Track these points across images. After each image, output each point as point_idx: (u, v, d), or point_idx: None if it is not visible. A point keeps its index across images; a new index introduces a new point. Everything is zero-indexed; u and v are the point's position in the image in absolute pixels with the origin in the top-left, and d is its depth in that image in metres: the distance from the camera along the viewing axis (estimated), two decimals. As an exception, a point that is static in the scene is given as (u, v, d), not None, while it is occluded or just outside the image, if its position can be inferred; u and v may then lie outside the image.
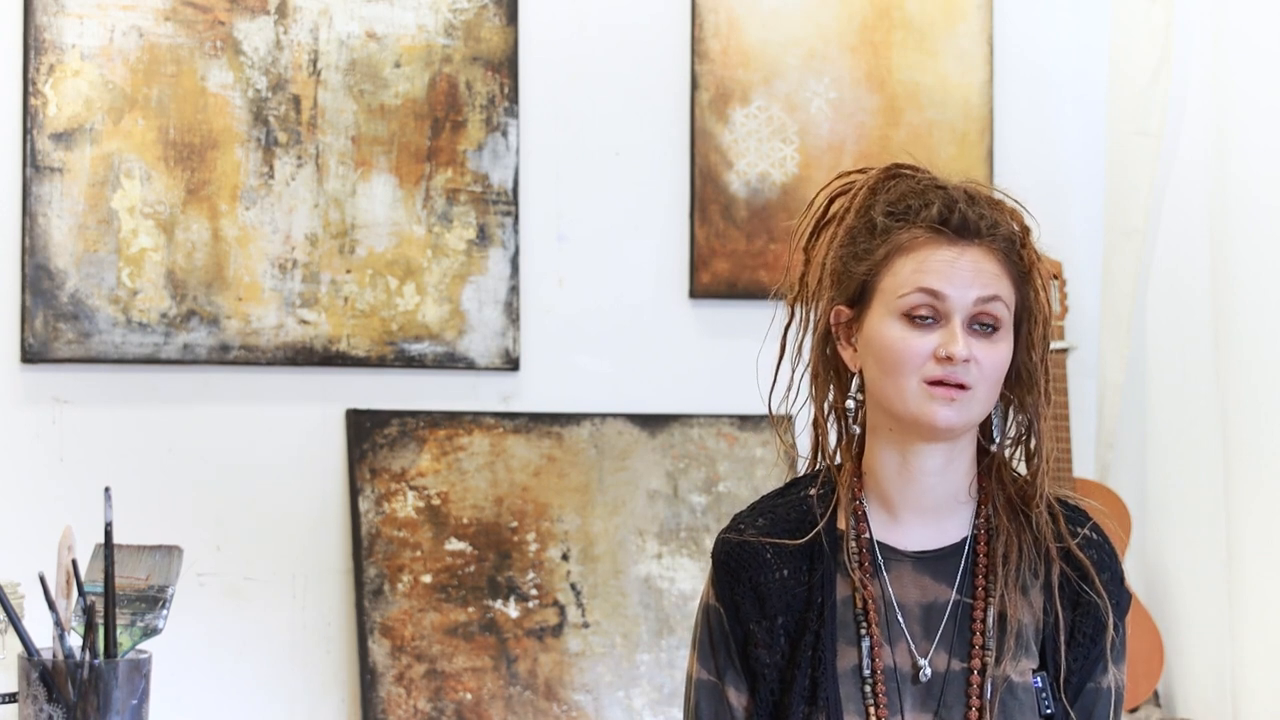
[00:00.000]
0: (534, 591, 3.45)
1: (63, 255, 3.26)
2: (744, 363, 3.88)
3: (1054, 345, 3.80)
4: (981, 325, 1.90)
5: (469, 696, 3.35)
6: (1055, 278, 3.87)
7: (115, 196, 3.29)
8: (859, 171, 2.01)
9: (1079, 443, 3.84)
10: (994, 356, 1.90)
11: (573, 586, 3.47)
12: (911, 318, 1.90)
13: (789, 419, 2.02)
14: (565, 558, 3.48)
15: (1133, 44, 3.80)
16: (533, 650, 3.41)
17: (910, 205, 1.92)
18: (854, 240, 1.95)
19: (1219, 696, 3.61)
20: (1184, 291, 3.73)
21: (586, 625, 3.45)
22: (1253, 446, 3.47)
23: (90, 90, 3.28)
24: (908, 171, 1.98)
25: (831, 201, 2.00)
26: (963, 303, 1.89)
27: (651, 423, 3.60)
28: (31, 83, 3.25)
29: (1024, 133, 3.91)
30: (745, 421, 3.62)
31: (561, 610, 3.45)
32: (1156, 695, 3.73)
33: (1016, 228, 1.95)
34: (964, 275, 1.89)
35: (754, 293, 3.65)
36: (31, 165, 3.24)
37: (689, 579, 3.52)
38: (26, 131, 3.25)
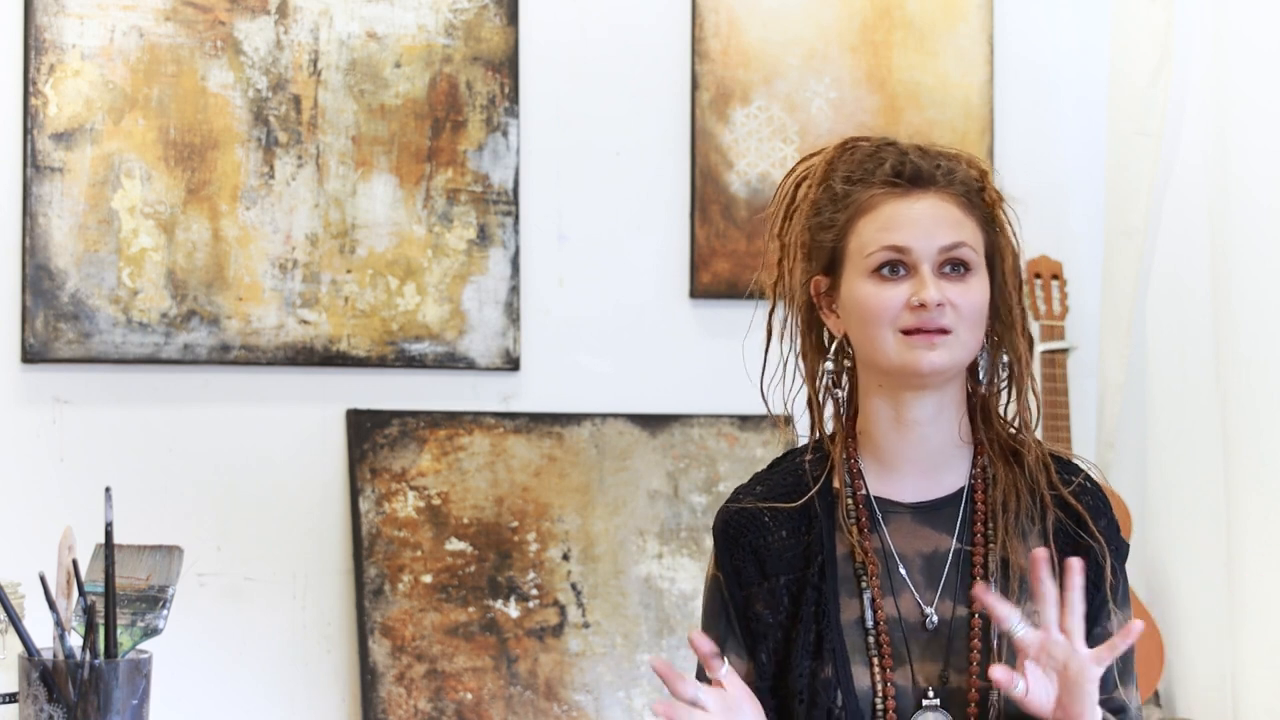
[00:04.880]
0: (534, 591, 3.45)
1: (63, 255, 3.26)
2: (744, 363, 3.88)
3: (1054, 345, 3.81)
4: (953, 267, 1.93)
5: (469, 696, 3.35)
6: (1055, 277, 3.87)
7: (115, 196, 3.29)
8: (816, 153, 2.04)
9: (1079, 443, 3.85)
10: (969, 297, 1.93)
11: (573, 586, 3.47)
12: (881, 273, 1.92)
13: (787, 414, 2.05)
14: (566, 558, 3.48)
15: (1133, 44, 3.80)
16: (533, 650, 3.41)
17: (866, 168, 1.97)
18: (819, 211, 1.99)
19: (1219, 696, 3.61)
20: (1184, 291, 3.73)
21: (587, 625, 3.45)
22: (1253, 446, 3.47)
23: (91, 90, 3.28)
24: (862, 141, 2.02)
25: (797, 186, 2.04)
26: (928, 251, 1.92)
27: (652, 423, 3.60)
28: (32, 83, 3.25)
29: (1024, 133, 3.91)
30: (745, 421, 3.62)
31: (562, 610, 3.45)
32: (1156, 695, 3.73)
33: (974, 172, 1.99)
34: (925, 224, 1.93)
35: (755, 293, 3.64)
36: (32, 165, 3.25)
37: (689, 579, 3.53)
38: (27, 131, 3.25)
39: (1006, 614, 1.81)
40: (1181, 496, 3.73)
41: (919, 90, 3.79)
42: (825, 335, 2.04)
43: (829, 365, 2.02)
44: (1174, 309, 3.77)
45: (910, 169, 1.95)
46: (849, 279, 1.96)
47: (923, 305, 1.90)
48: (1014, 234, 2.00)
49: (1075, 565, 1.80)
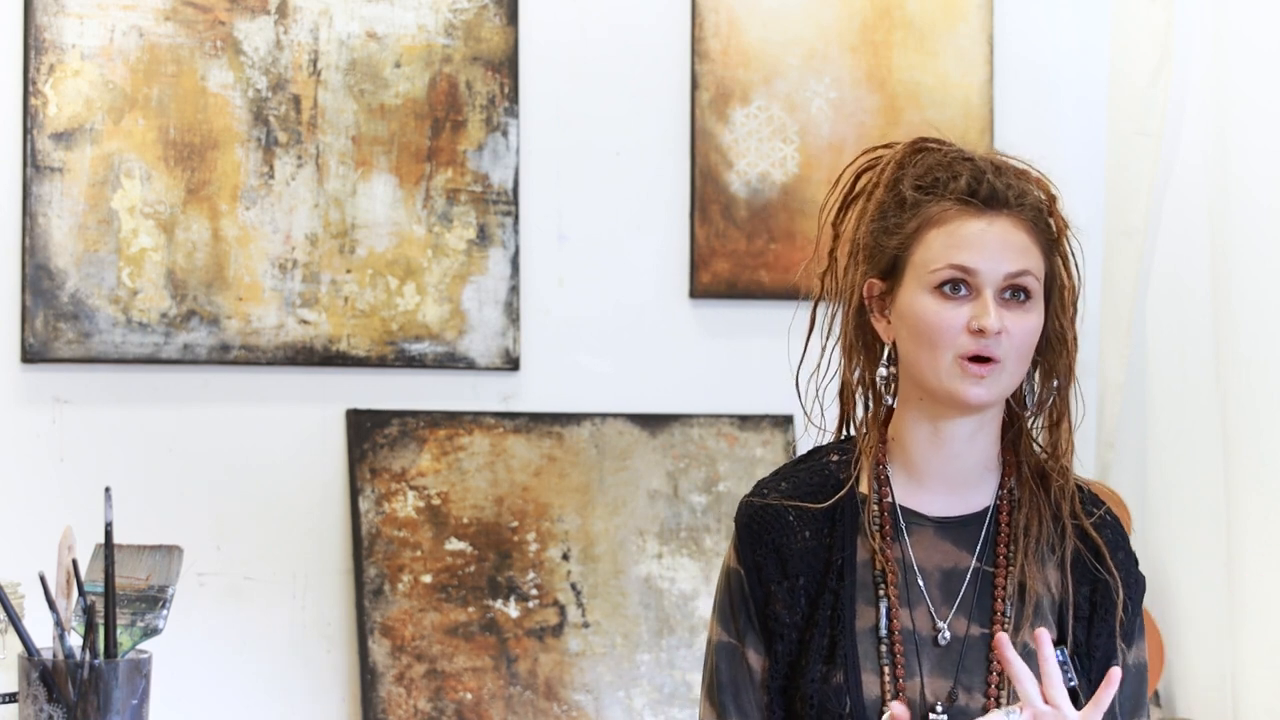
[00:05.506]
0: (534, 591, 3.45)
1: (63, 255, 3.26)
2: (744, 363, 3.87)
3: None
4: (1013, 294, 1.92)
5: (469, 696, 3.35)
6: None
7: (115, 196, 3.29)
8: (885, 147, 2.03)
9: (1079, 443, 3.82)
10: (1025, 326, 1.92)
11: (573, 586, 3.47)
12: (943, 291, 1.91)
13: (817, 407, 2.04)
14: (565, 558, 3.48)
15: (1133, 44, 3.80)
16: (533, 650, 3.41)
17: (938, 178, 1.95)
18: (884, 214, 1.97)
19: (1219, 696, 3.61)
20: (1184, 291, 3.73)
21: (587, 625, 3.45)
22: (1253, 446, 3.47)
23: (90, 90, 3.28)
24: (933, 145, 2.00)
25: (858, 177, 2.02)
26: (994, 276, 1.92)
27: (652, 423, 3.60)
28: (32, 83, 3.25)
29: (1024, 133, 3.91)
30: (745, 421, 3.62)
31: (562, 610, 3.45)
32: (1156, 695, 3.73)
33: (1043, 196, 1.98)
34: (994, 248, 1.92)
35: (754, 293, 3.65)
36: (32, 165, 3.25)
37: (689, 579, 3.52)
38: (26, 131, 3.25)
39: None
40: (1181, 496, 3.73)
41: (919, 90, 3.79)
42: (869, 336, 2.02)
43: (883, 372, 2.00)
44: (1174, 309, 3.77)
45: (986, 189, 1.94)
46: (908, 289, 1.94)
47: (982, 331, 1.89)
48: (1075, 264, 1.99)
49: (1043, 635, 1.80)
